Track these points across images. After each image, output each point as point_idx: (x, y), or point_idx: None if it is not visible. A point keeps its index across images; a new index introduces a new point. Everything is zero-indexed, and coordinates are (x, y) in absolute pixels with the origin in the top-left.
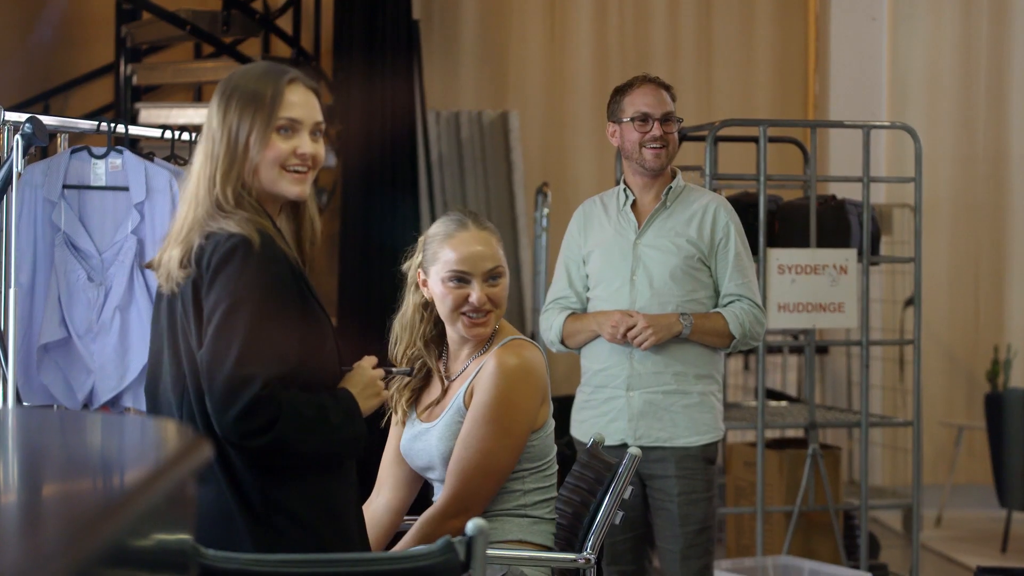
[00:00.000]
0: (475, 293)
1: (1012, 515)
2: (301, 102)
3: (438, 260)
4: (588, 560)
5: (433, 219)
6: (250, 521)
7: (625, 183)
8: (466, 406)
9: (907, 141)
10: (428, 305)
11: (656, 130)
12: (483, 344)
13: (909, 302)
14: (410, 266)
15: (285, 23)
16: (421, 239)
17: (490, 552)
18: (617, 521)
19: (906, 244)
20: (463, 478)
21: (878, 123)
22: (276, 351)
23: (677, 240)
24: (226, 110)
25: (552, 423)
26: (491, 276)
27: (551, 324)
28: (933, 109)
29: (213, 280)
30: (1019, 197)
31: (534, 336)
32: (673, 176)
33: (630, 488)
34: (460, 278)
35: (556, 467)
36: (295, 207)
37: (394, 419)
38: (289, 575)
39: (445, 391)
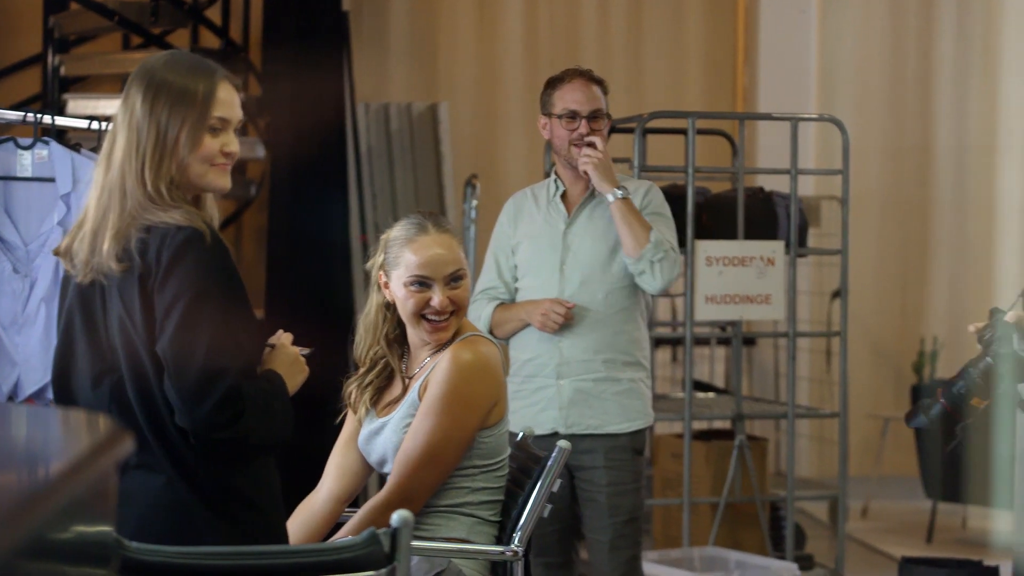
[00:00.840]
0: (436, 297)
1: (937, 506)
2: (229, 100)
3: (399, 264)
4: (516, 553)
5: (362, 212)
6: (209, 514)
7: (556, 174)
8: (420, 400)
9: (835, 133)
10: (391, 305)
11: (584, 128)
12: (443, 343)
13: (836, 294)
14: (372, 265)
15: (214, 14)
16: (383, 238)
17: (415, 544)
18: (545, 514)
19: (833, 236)
20: (408, 468)
21: (806, 115)
22: (238, 343)
23: (606, 228)
24: (153, 104)
25: (507, 423)
26: (452, 279)
27: (479, 314)
28: (861, 102)
29: (168, 274)
30: (945, 190)
31: None
32: None
33: (559, 481)
34: (421, 282)
35: (508, 469)
36: (196, 197)
37: (350, 416)
38: (213, 567)
39: (405, 389)
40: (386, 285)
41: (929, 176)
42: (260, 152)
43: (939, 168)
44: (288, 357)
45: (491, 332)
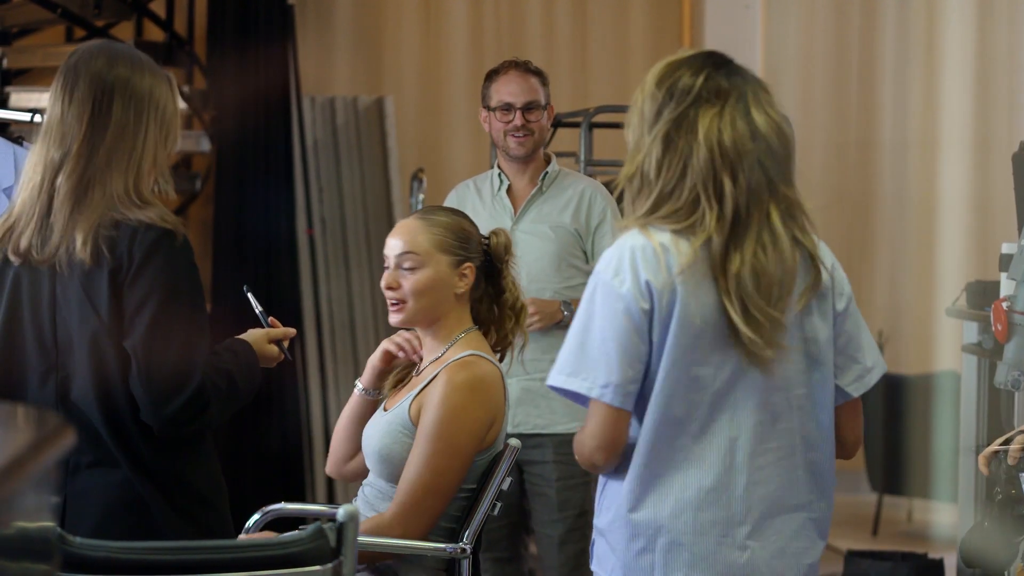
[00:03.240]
0: (384, 278)
1: (882, 499)
2: (178, 108)
3: None
4: (464, 551)
5: (308, 205)
6: (168, 509)
7: (500, 167)
8: (411, 416)
9: None
10: None
11: (518, 120)
12: (442, 345)
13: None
14: None
15: (158, 7)
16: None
17: (361, 539)
18: (495, 512)
19: None
20: (411, 497)
21: None
22: (205, 339)
23: (555, 226)
24: (120, 107)
25: (501, 442)
26: (401, 264)
27: None
28: (806, 96)
29: (140, 271)
30: (887, 184)
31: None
32: (548, 161)
33: (508, 479)
34: (385, 263)
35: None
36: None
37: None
38: (158, 562)
39: (407, 384)
40: None
41: (871, 170)
42: (205, 146)
43: (881, 162)
44: (263, 336)
45: None
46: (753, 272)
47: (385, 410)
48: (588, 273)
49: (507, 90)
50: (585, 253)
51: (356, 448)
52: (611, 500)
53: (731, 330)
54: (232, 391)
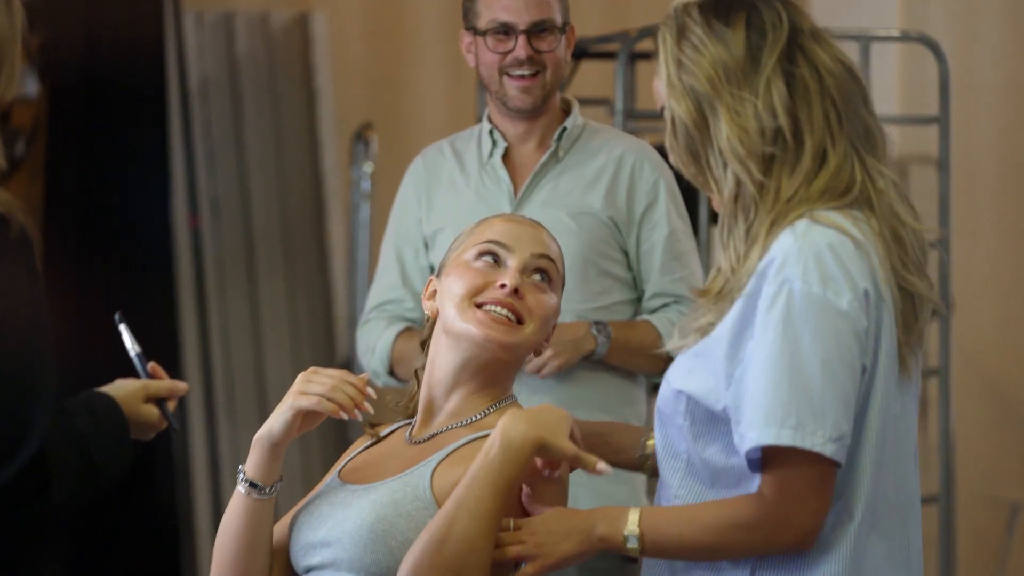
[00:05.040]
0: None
1: None
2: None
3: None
4: None
5: (192, 181)
6: None
7: (491, 122)
8: (434, 491)
9: (928, 62)
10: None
11: (522, 48)
12: (477, 406)
13: (932, 312)
14: None
15: None
16: None
17: None
18: None
19: (927, 219)
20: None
21: (883, 33)
22: (49, 387)
23: (578, 212)
24: None
25: None
26: (531, 268)
27: (373, 344)
28: (968, 16)
29: None
30: None
31: (348, 364)
32: (567, 112)
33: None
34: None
35: None
36: None
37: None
38: None
39: (403, 458)
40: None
41: None
42: (31, 88)
43: None
44: (139, 391)
45: (391, 372)
46: (917, 266)
47: (346, 482)
48: (630, 286)
49: (503, 3)
50: (626, 254)
51: (259, 564)
52: None
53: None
54: (86, 469)
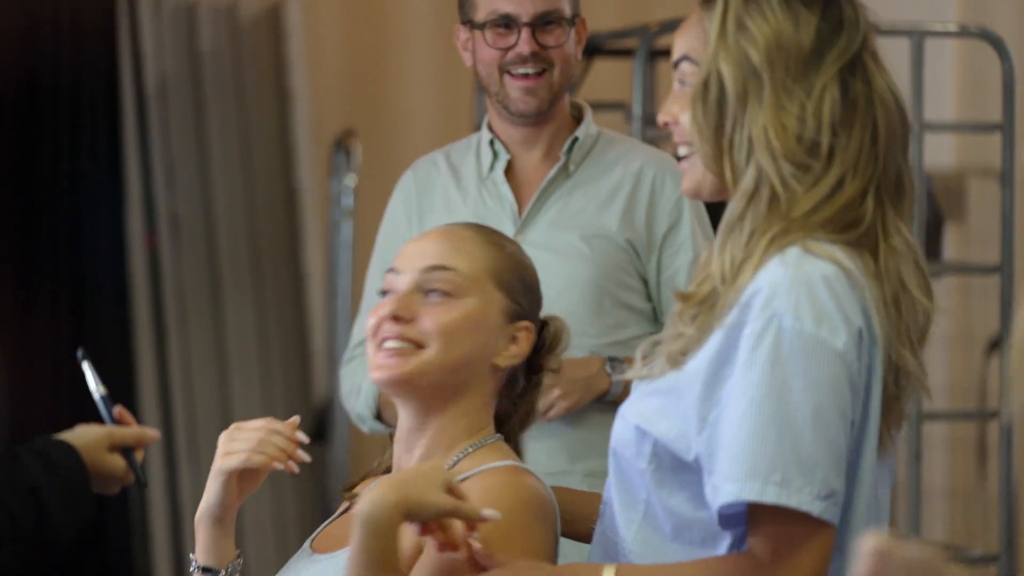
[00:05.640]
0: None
1: None
2: None
3: None
4: None
5: (148, 193)
6: None
7: (492, 130)
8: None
9: (991, 61)
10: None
11: (525, 43)
12: (453, 444)
13: (995, 344)
14: None
15: None
16: None
17: None
18: None
19: (989, 240)
20: None
21: (940, 27)
22: None
23: (592, 234)
24: None
25: None
26: (425, 285)
27: (358, 385)
28: None
29: None
30: None
31: (327, 405)
32: (578, 118)
33: None
34: (384, 288)
35: None
36: None
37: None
38: None
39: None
40: None
41: None
42: None
43: None
44: (104, 438)
45: (378, 416)
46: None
47: (315, 550)
48: (650, 318)
49: None
50: (645, 282)
51: None
52: None
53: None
54: (40, 526)
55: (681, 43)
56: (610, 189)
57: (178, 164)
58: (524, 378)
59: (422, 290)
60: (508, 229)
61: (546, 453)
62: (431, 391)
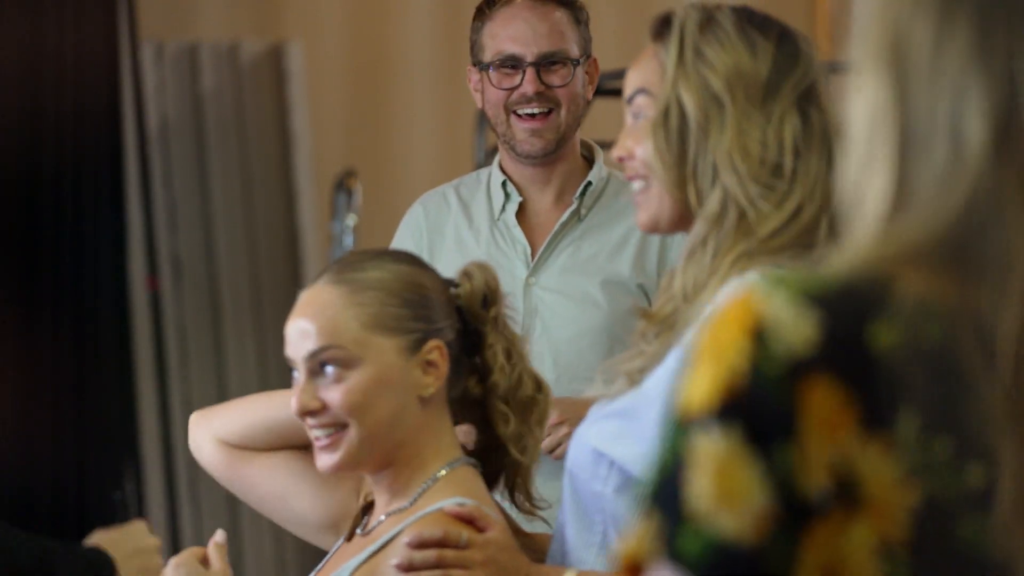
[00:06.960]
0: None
1: None
2: None
3: None
4: None
5: (150, 237)
6: None
7: (503, 171)
8: None
9: None
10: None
11: (530, 83)
12: (410, 491)
13: None
14: None
15: None
16: None
17: None
18: None
19: None
20: None
21: None
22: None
23: (605, 280)
24: None
25: None
26: (316, 369)
27: None
28: None
29: None
30: None
31: None
32: (589, 161)
33: None
34: (292, 369)
35: None
36: None
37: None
38: None
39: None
40: None
41: None
42: None
43: None
44: (135, 543)
45: None
46: None
47: None
48: None
49: (509, 33)
50: None
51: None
52: None
53: None
54: None
55: (635, 78)
56: (622, 234)
57: (180, 206)
58: (478, 364)
59: (318, 373)
60: (520, 272)
61: (557, 491)
62: (372, 460)
